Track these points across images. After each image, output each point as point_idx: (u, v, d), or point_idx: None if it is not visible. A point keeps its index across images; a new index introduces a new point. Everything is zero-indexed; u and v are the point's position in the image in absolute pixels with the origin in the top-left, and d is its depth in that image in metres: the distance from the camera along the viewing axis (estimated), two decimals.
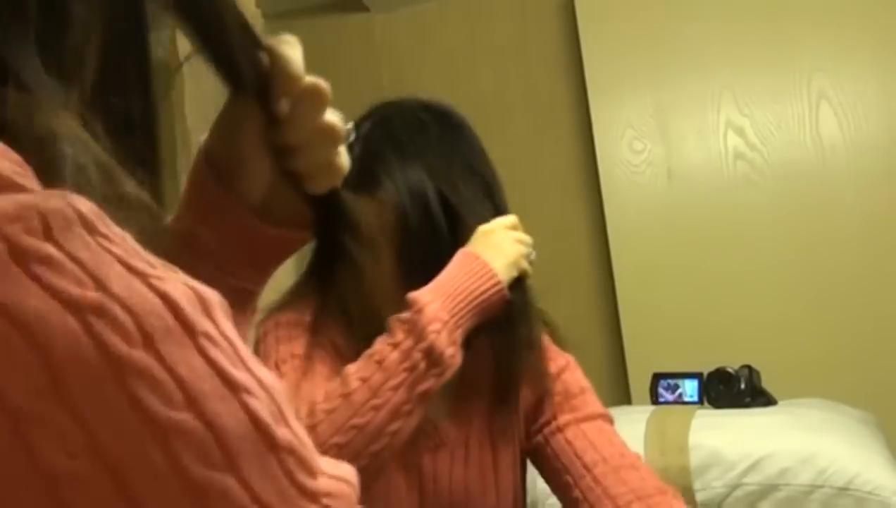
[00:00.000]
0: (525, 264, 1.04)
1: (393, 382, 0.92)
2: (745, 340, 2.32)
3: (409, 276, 1.03)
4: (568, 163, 2.61)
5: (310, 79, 0.56)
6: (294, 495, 0.34)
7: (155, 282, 0.32)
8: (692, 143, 2.44)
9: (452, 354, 0.95)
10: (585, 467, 1.07)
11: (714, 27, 2.43)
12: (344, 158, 0.61)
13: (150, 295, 0.32)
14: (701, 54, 2.44)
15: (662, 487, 1.06)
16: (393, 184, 1.03)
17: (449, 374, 0.95)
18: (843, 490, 1.55)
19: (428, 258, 1.02)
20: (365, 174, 1.03)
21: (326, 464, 0.37)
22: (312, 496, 0.34)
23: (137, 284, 0.32)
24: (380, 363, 0.93)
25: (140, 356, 0.31)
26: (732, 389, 1.85)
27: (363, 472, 0.94)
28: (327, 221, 0.64)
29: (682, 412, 1.78)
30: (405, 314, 0.95)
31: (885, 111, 2.33)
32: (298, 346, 1.04)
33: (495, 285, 0.99)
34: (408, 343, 0.93)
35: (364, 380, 0.92)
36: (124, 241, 0.33)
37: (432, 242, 1.04)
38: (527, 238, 1.06)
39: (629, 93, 2.48)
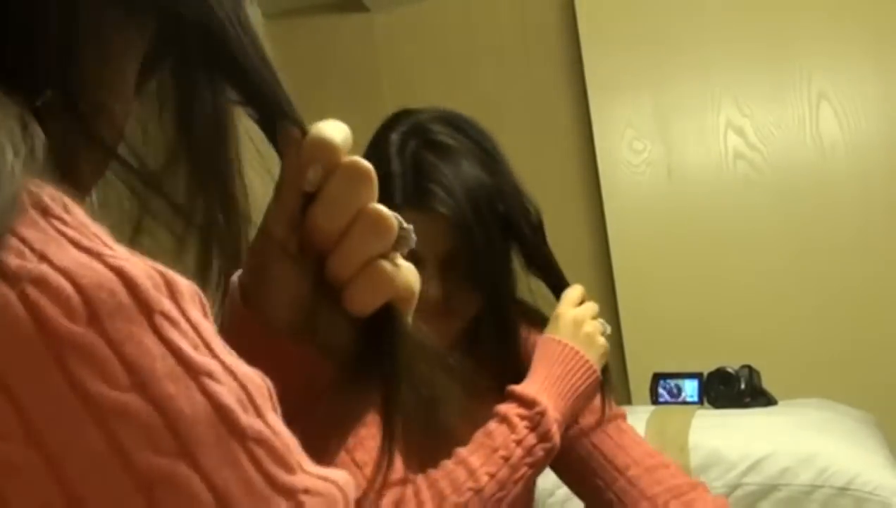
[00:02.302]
0: (606, 350, 1.07)
1: (516, 476, 0.97)
2: (745, 340, 2.32)
3: (456, 298, 1.03)
4: (568, 163, 2.61)
5: (350, 157, 0.46)
6: (262, 486, 0.30)
7: (110, 259, 0.30)
8: (692, 143, 2.44)
9: (558, 444, 1.00)
10: (618, 470, 1.10)
11: (714, 27, 2.43)
12: (402, 269, 0.47)
13: (103, 270, 0.29)
14: (701, 54, 2.44)
15: (694, 483, 1.10)
16: (445, 192, 0.99)
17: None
18: (843, 490, 1.55)
19: (487, 274, 1.03)
20: (410, 187, 1.00)
21: (313, 465, 0.33)
22: (286, 489, 0.31)
23: (87, 259, 0.29)
24: (506, 459, 0.96)
25: (82, 331, 0.28)
26: (732, 389, 1.85)
27: None
28: (373, 351, 0.47)
29: (682, 412, 1.78)
30: (524, 411, 0.98)
31: (885, 111, 2.33)
32: None
33: (595, 380, 1.04)
34: (531, 440, 0.97)
35: (492, 476, 0.96)
36: (84, 226, 0.31)
37: (490, 256, 1.02)
38: (595, 308, 1.09)
39: (629, 93, 2.48)
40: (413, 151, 1.03)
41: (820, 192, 2.35)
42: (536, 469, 0.99)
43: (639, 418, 1.77)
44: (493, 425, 0.99)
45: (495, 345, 1.10)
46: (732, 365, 1.88)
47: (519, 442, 0.97)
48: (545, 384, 1.00)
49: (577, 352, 1.02)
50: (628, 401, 2.38)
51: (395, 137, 1.05)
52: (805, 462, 1.58)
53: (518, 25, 2.67)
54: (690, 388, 1.90)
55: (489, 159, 1.07)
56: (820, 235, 2.33)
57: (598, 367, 1.04)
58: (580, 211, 2.59)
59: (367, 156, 1.03)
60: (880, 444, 1.74)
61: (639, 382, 2.24)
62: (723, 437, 1.66)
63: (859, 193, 2.32)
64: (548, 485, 1.66)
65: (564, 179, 2.61)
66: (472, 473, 0.96)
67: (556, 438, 0.98)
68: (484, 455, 0.97)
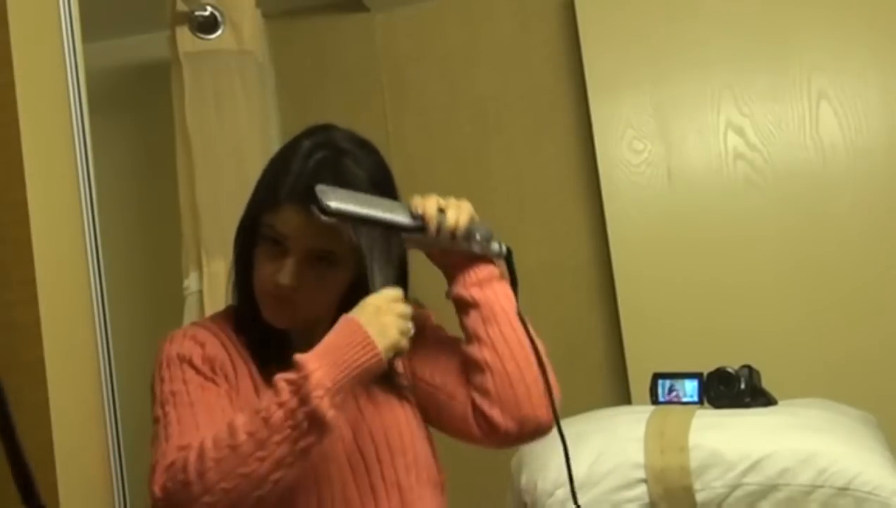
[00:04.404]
0: (403, 344, 1.10)
1: (277, 437, 1.01)
2: (745, 340, 2.32)
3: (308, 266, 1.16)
4: (568, 163, 2.61)
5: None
6: None
7: None
8: (692, 143, 2.44)
9: (333, 416, 1.03)
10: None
11: (714, 27, 2.43)
12: None
13: None
14: (701, 54, 2.44)
15: None
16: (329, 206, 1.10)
17: (329, 432, 1.04)
18: (843, 490, 1.55)
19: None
20: (306, 190, 1.12)
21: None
22: None
23: None
24: (266, 420, 1.01)
25: None
26: (732, 389, 1.85)
27: None
28: None
29: (682, 412, 1.78)
30: (291, 375, 1.03)
31: (885, 111, 2.33)
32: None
33: (376, 359, 1.07)
34: (293, 404, 1.01)
35: (251, 434, 1.01)
36: None
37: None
38: (408, 311, 1.12)
39: (629, 93, 2.48)
40: (318, 159, 1.15)
41: (819, 191, 2.35)
42: (301, 431, 1.01)
43: (639, 418, 1.77)
44: (266, 391, 1.06)
45: None
46: (732, 365, 1.88)
47: (281, 405, 1.02)
48: (321, 353, 1.05)
49: (364, 332, 1.06)
50: (628, 401, 2.38)
51: (307, 143, 1.18)
52: (805, 462, 1.58)
53: (518, 25, 2.67)
54: (690, 388, 1.90)
55: (383, 180, 1.19)
56: (820, 234, 2.33)
57: (383, 355, 1.07)
58: (580, 211, 2.59)
59: (278, 154, 1.19)
60: (880, 444, 1.74)
61: (639, 382, 2.24)
62: (723, 437, 1.66)
63: (859, 192, 2.32)
64: (547, 486, 1.66)
65: (564, 180, 2.61)
66: (233, 432, 1.02)
67: (319, 403, 1.01)
68: (247, 415, 1.03)
